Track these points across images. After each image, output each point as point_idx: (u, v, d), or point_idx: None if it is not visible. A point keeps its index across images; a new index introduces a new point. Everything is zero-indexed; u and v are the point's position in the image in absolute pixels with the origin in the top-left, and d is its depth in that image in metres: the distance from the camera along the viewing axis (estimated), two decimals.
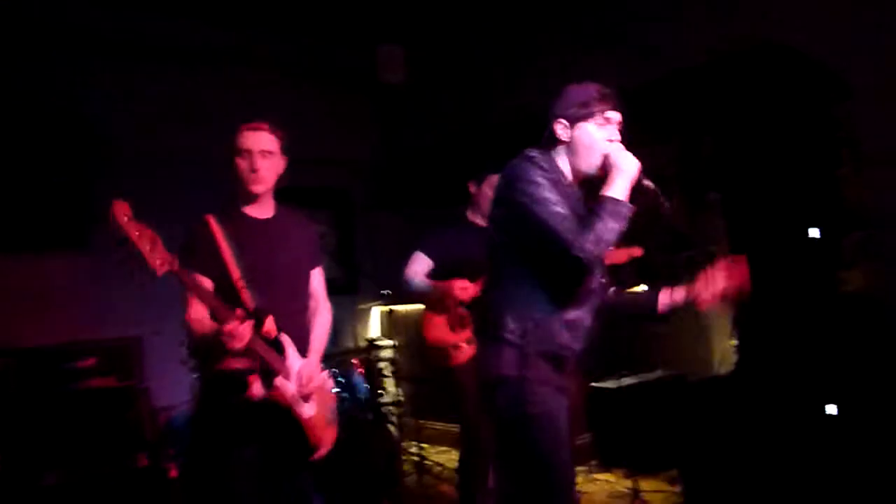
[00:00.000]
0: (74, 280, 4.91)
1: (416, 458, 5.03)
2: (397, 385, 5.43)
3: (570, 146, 2.31)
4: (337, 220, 6.48)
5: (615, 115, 2.30)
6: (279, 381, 2.59)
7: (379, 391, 4.90)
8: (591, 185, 2.33)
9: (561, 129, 2.31)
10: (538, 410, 2.20)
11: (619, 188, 2.20)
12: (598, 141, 2.28)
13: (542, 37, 5.36)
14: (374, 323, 6.40)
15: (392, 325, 5.59)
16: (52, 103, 4.97)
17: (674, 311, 2.42)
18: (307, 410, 2.69)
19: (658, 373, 4.72)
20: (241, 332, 2.40)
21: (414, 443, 5.23)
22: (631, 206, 2.20)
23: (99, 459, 3.68)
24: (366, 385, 4.72)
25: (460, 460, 3.80)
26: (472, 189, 3.86)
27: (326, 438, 2.80)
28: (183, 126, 5.37)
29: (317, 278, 2.95)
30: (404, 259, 3.82)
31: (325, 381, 2.85)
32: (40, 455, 3.58)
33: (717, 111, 4.19)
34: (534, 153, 2.29)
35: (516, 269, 2.29)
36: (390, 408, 5.37)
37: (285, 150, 2.83)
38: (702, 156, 4.82)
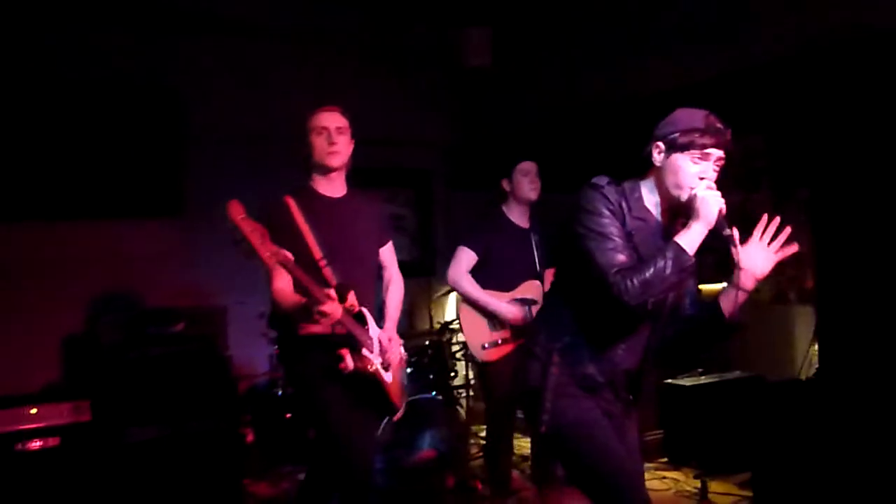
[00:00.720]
0: (168, 246, 5.18)
1: (483, 442, 5.10)
2: (468, 367, 5.49)
3: (660, 172, 2.24)
4: (417, 201, 6.57)
5: (716, 153, 2.17)
6: (365, 352, 2.77)
7: (450, 373, 4.97)
8: (678, 212, 2.27)
9: (656, 152, 2.24)
10: (566, 421, 2.23)
11: (692, 236, 2.13)
12: (688, 176, 2.18)
13: (629, 26, 5.27)
14: (450, 305, 6.48)
15: None
16: (147, 79, 5.22)
17: (741, 309, 2.27)
18: (388, 377, 2.90)
19: (736, 372, 4.63)
20: (334, 311, 2.58)
21: (482, 426, 5.29)
22: (693, 260, 2.12)
23: (182, 421, 3.89)
24: (436, 367, 4.80)
25: (484, 448, 4.01)
26: (507, 186, 3.88)
27: (402, 400, 3.06)
28: (264, 103, 5.53)
29: (388, 252, 3.16)
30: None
31: (400, 347, 3.07)
32: (128, 414, 3.81)
33: (807, 105, 4.05)
34: (602, 181, 2.22)
35: (565, 290, 2.34)
36: (461, 391, 5.44)
37: (354, 134, 3.00)
38: (794, 149, 4.67)
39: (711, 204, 2.13)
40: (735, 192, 4.84)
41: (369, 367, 2.77)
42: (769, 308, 4.69)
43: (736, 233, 2.14)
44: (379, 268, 3.15)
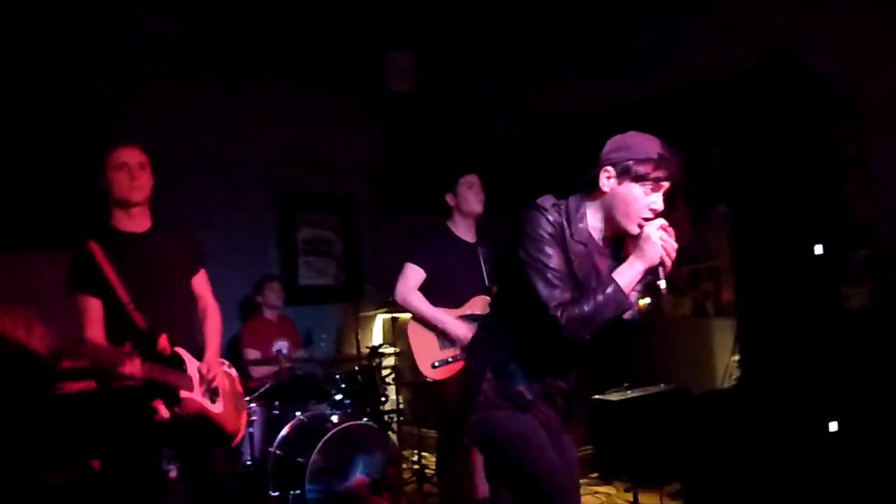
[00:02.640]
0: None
1: (416, 467, 5.07)
2: (398, 392, 5.47)
3: (608, 199, 2.19)
4: (343, 225, 6.55)
5: (666, 184, 2.16)
6: (184, 394, 2.77)
7: (381, 398, 4.93)
8: (619, 239, 2.28)
9: (605, 178, 2.18)
10: (501, 432, 2.24)
11: (631, 274, 2.13)
12: (640, 207, 2.15)
13: (554, 48, 5.43)
14: (377, 330, 6.46)
15: (395, 332, 5.63)
16: (71, 106, 5.06)
17: (639, 312, 2.33)
18: (217, 407, 2.92)
19: (661, 386, 4.75)
20: (134, 370, 2.57)
21: (414, 451, 5.27)
22: (632, 304, 2.14)
23: (95, 459, 3.73)
24: (367, 393, 4.76)
25: (437, 466, 3.94)
26: (451, 200, 3.86)
27: (239, 424, 3.07)
28: (190, 129, 5.45)
29: (200, 281, 3.12)
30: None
31: (226, 374, 3.07)
32: (35, 455, 3.64)
33: (727, 124, 4.24)
34: (546, 203, 2.19)
35: (504, 309, 2.34)
36: (391, 416, 5.41)
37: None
38: (710, 168, 4.87)
39: (659, 247, 2.11)
40: None
41: (191, 408, 2.78)
42: (690, 322, 4.85)
43: (663, 285, 2.13)
44: (194, 299, 3.11)
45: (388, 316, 5.80)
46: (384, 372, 5.23)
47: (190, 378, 2.82)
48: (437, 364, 3.74)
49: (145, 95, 5.37)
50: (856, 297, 4.08)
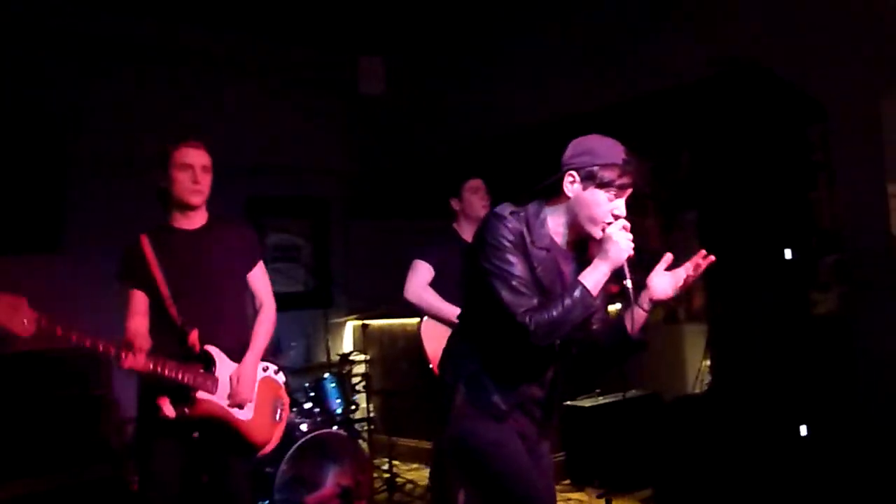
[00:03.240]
0: (45, 284, 4.85)
1: (386, 475, 5.04)
2: (369, 400, 5.43)
3: (573, 204, 2.19)
4: (313, 230, 6.50)
5: (629, 190, 2.16)
6: (200, 395, 2.73)
7: (351, 406, 4.89)
8: (583, 243, 2.28)
9: (569, 183, 2.17)
10: (475, 442, 2.22)
11: (597, 276, 2.14)
12: (604, 212, 2.15)
13: (523, 53, 5.45)
14: (347, 337, 6.41)
15: (365, 339, 5.60)
16: (23, 106, 4.95)
17: (642, 328, 2.32)
18: (244, 414, 2.85)
19: (633, 392, 4.77)
20: (134, 363, 2.56)
21: (385, 459, 5.23)
22: (598, 303, 2.15)
23: (63, 470, 3.64)
24: (338, 401, 4.72)
25: (431, 477, 3.82)
26: (456, 205, 3.78)
27: (271, 435, 2.97)
28: (154, 131, 5.35)
29: (257, 277, 3.07)
30: (385, 272, 3.77)
31: (268, 384, 3.00)
32: (2, 465, 3.54)
33: (695, 131, 4.28)
34: (504, 211, 2.19)
35: (472, 320, 2.33)
36: (362, 424, 5.37)
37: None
38: (678, 174, 4.92)
39: (622, 248, 2.12)
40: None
41: (205, 410, 2.72)
42: (661, 328, 4.88)
43: (630, 284, 2.15)
44: (250, 295, 3.08)
45: (359, 323, 5.77)
46: (354, 380, 5.18)
47: (216, 380, 2.77)
48: None
49: (107, 95, 5.26)
50: (824, 303, 4.14)
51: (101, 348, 2.51)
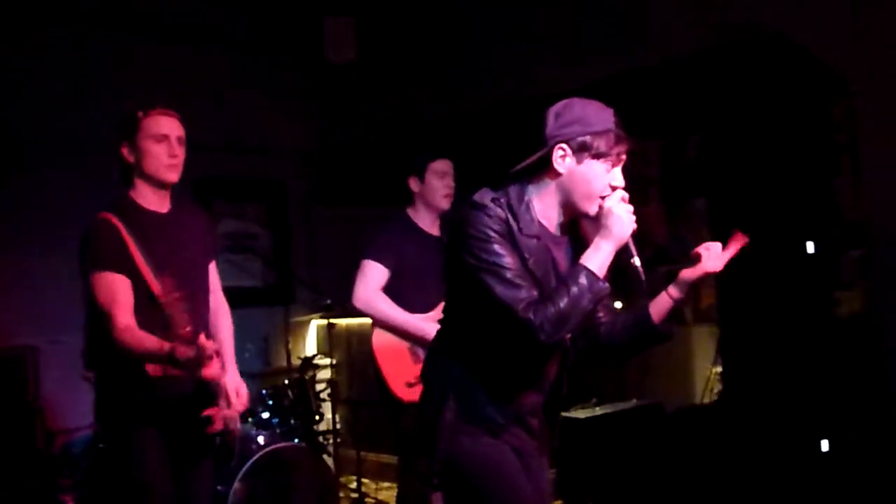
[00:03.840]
0: None
1: (354, 495, 5.01)
2: (335, 410, 5.40)
3: (564, 181, 2.17)
4: (270, 217, 6.44)
5: (625, 157, 2.16)
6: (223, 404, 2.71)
7: (315, 416, 4.86)
8: (576, 223, 2.26)
9: (559, 157, 2.14)
10: (466, 460, 2.20)
11: (601, 257, 2.10)
12: (602, 185, 2.14)
13: (512, 20, 5.40)
14: (310, 338, 6.36)
15: (331, 340, 5.55)
16: None
17: (673, 316, 2.30)
18: (237, 426, 2.84)
19: (633, 401, 4.78)
20: (216, 369, 2.55)
21: (353, 477, 5.20)
22: (608, 287, 2.10)
23: None
24: (300, 409, 4.69)
25: (398, 498, 3.80)
26: (415, 187, 3.63)
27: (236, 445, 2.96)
28: (85, 100, 5.26)
29: (213, 273, 3.05)
30: (351, 263, 3.67)
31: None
32: None
33: (705, 107, 4.28)
34: (485, 199, 2.15)
35: (457, 323, 2.28)
36: (327, 436, 5.34)
37: (192, 136, 2.91)
38: (686, 157, 4.92)
39: (625, 221, 2.10)
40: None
41: (229, 424, 2.73)
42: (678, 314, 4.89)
43: (638, 262, 2.14)
44: None
45: (324, 322, 5.71)
46: (319, 387, 5.15)
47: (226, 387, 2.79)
48: (413, 382, 3.42)
49: (32, 62, 5.16)
50: (847, 302, 4.16)
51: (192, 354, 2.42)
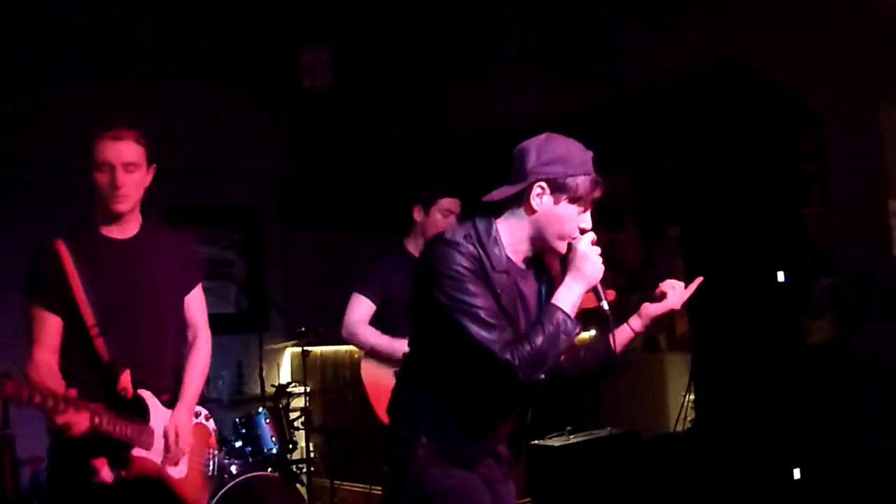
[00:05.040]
0: None
1: None
2: (308, 438, 5.38)
3: (539, 218, 2.18)
4: (245, 242, 6.43)
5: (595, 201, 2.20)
6: (136, 452, 2.54)
7: (289, 445, 4.83)
8: (540, 259, 2.30)
9: (536, 195, 2.16)
10: (435, 491, 2.19)
11: (572, 298, 2.14)
12: (573, 228, 2.18)
13: (485, 50, 5.46)
14: (285, 365, 6.34)
15: (305, 368, 5.54)
16: None
17: (631, 348, 2.40)
18: (177, 472, 2.68)
19: (608, 429, 4.80)
20: (77, 420, 2.32)
21: None
22: (580, 327, 2.14)
23: None
24: (273, 439, 4.66)
25: None
26: (418, 216, 3.65)
27: (204, 492, 2.83)
28: (56, 124, 5.22)
29: (195, 302, 2.91)
30: (327, 290, 3.72)
31: (200, 432, 2.85)
32: None
33: (678, 137, 4.35)
34: (458, 237, 2.15)
35: (427, 359, 2.29)
36: (300, 466, 5.31)
37: (151, 159, 2.74)
38: (660, 186, 4.99)
39: (596, 264, 2.15)
40: (601, 231, 5.12)
41: (142, 469, 2.55)
42: (640, 357, 4.93)
43: (606, 306, 2.18)
44: (183, 324, 2.88)
45: (298, 350, 5.70)
46: (293, 415, 5.13)
47: (151, 431, 2.59)
48: None
49: (4, 82, 5.11)
50: (818, 331, 4.23)
51: (37, 400, 2.23)
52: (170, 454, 2.64)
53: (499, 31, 5.38)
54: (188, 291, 2.87)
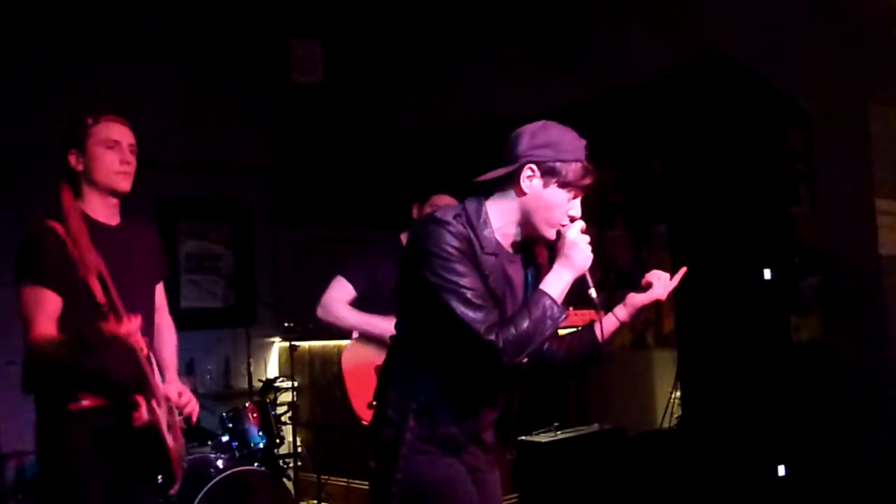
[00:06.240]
0: None
1: None
2: (296, 433, 5.39)
3: (528, 201, 2.20)
4: (234, 237, 6.41)
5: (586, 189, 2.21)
6: (155, 405, 2.58)
7: (276, 440, 4.84)
8: (529, 244, 2.31)
9: (526, 178, 2.17)
10: (422, 481, 2.21)
11: (561, 284, 2.15)
12: (563, 213, 2.19)
13: (479, 45, 5.47)
14: (272, 360, 6.34)
15: (293, 363, 5.54)
16: None
17: (615, 339, 2.43)
18: (172, 440, 2.72)
19: (595, 426, 4.82)
20: (129, 328, 2.38)
21: (313, 502, 5.17)
22: (567, 313, 2.16)
23: None
24: (260, 434, 4.66)
25: None
26: (415, 213, 3.66)
27: (179, 471, 2.84)
28: (45, 117, 5.19)
29: (160, 292, 3.00)
30: (315, 285, 3.71)
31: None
32: None
33: (667, 134, 4.37)
34: (448, 216, 2.16)
35: (415, 341, 2.29)
36: (287, 460, 5.31)
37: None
38: (649, 183, 5.02)
39: (585, 252, 2.16)
40: (590, 228, 5.13)
41: (160, 422, 2.59)
42: (627, 354, 4.95)
43: (594, 293, 2.19)
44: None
45: (286, 344, 5.71)
46: (280, 410, 5.13)
47: (159, 390, 2.67)
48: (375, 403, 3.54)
49: None
50: (805, 328, 4.26)
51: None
52: (185, 411, 2.75)
53: (492, 25, 5.39)
54: (158, 281, 2.97)
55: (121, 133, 2.70)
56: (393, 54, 5.99)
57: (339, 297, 3.60)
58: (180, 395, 2.76)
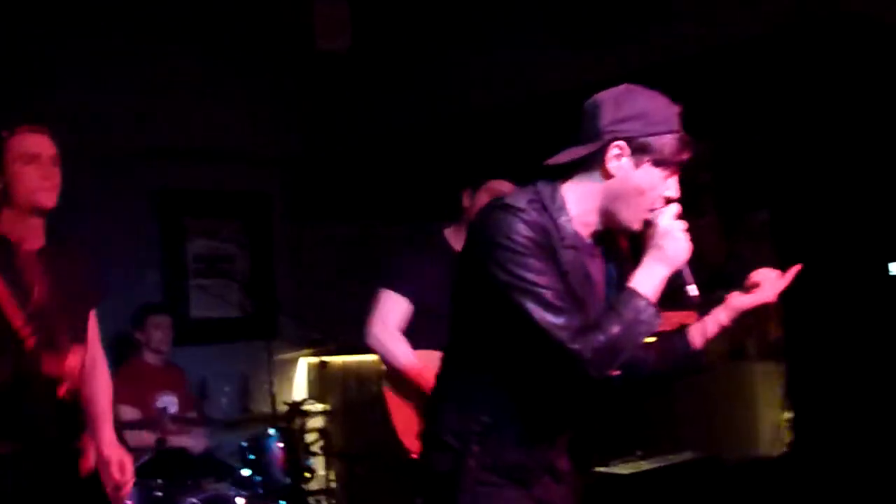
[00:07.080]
0: None
1: None
2: (328, 465, 5.43)
3: (615, 185, 2.17)
4: (250, 236, 6.48)
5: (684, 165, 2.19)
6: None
7: (304, 474, 4.89)
8: (610, 234, 2.29)
9: (614, 157, 2.14)
10: None
11: (654, 280, 2.12)
12: (658, 197, 2.16)
13: (530, 8, 5.45)
14: (298, 379, 6.39)
15: (323, 382, 5.59)
16: None
17: (710, 346, 2.41)
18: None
19: (686, 454, 4.79)
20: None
21: None
22: (661, 321, 2.12)
23: None
24: (286, 467, 4.72)
25: None
26: (466, 202, 3.65)
27: None
28: (29, 100, 5.29)
29: (92, 322, 3.10)
30: (345, 288, 3.72)
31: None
32: None
33: (770, 101, 4.30)
34: (521, 202, 2.14)
35: (476, 353, 2.28)
36: (318, 497, 5.36)
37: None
38: (746, 162, 4.95)
39: (681, 242, 2.13)
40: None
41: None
42: (725, 367, 4.90)
43: (695, 290, 2.16)
44: None
45: (315, 360, 5.76)
46: (309, 438, 5.18)
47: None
48: None
49: None
50: None
51: None
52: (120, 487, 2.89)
53: None
54: (92, 308, 3.09)
55: (40, 144, 2.82)
56: (430, 18, 5.99)
57: (393, 322, 3.60)
58: (122, 468, 2.91)
